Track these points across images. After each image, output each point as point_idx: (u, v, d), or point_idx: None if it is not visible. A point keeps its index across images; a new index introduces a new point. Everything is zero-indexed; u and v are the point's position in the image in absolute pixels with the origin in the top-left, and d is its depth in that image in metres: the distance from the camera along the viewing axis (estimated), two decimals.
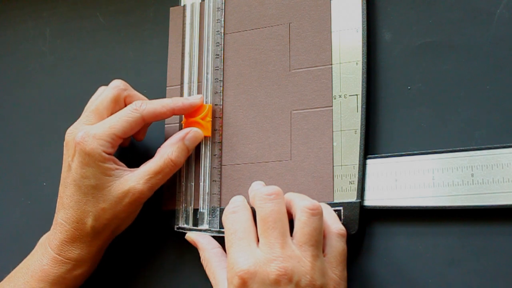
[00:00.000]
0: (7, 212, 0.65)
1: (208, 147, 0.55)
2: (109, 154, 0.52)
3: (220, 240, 0.53)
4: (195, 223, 0.55)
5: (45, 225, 0.60)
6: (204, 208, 0.55)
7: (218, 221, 0.54)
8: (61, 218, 0.53)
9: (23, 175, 0.66)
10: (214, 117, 0.56)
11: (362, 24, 0.52)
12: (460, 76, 0.49)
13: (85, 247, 0.53)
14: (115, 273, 0.59)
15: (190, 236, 0.54)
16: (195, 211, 0.55)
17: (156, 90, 0.59)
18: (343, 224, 0.49)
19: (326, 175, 0.51)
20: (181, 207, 0.56)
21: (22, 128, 0.67)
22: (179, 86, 0.58)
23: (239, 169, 0.54)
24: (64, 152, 0.54)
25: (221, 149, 0.55)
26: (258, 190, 0.47)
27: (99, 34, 0.65)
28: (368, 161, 0.50)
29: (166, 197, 0.57)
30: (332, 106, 0.52)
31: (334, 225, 0.48)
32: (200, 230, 0.54)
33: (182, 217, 0.56)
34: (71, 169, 0.53)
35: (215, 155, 0.55)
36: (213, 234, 0.54)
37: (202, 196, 0.55)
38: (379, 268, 0.49)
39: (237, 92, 0.56)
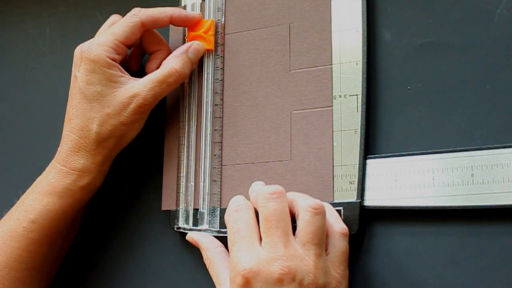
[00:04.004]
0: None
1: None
2: (113, 60, 0.54)
3: (221, 240, 0.53)
4: (195, 223, 0.55)
5: None
6: (204, 208, 0.55)
7: (218, 221, 0.54)
8: (67, 129, 0.55)
9: (23, 175, 0.66)
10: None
11: (362, 24, 0.52)
12: (460, 76, 0.49)
13: (90, 156, 0.54)
14: (114, 273, 0.59)
15: (192, 236, 0.54)
16: (195, 211, 0.55)
17: None
18: None
19: (326, 175, 0.51)
20: (181, 207, 0.56)
21: (22, 128, 0.67)
22: (179, 86, 0.58)
23: (239, 169, 0.54)
24: (72, 68, 0.56)
25: (221, 149, 0.55)
26: (261, 189, 0.47)
27: None
28: (368, 161, 0.50)
29: (165, 197, 0.57)
30: (332, 106, 0.52)
31: (337, 225, 0.48)
32: (200, 230, 0.54)
33: (182, 217, 0.56)
34: (77, 79, 0.54)
35: (215, 155, 0.55)
36: (213, 234, 0.54)
37: (202, 196, 0.55)
38: (379, 268, 0.49)
39: (237, 92, 0.56)
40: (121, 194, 0.60)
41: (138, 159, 0.60)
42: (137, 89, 0.53)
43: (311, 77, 0.53)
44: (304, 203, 0.46)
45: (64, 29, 0.67)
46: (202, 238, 0.53)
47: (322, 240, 0.45)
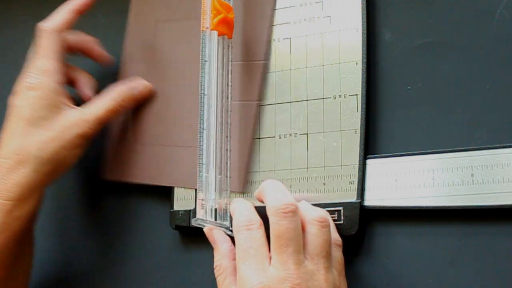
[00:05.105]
0: None
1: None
2: (60, 83, 0.55)
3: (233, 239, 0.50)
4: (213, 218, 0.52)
5: (44, 225, 0.60)
6: (216, 204, 0.52)
7: (228, 218, 0.52)
8: (3, 155, 0.53)
9: None
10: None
11: (362, 24, 0.52)
12: (460, 76, 0.49)
13: (25, 182, 0.52)
14: (114, 273, 0.59)
15: (214, 234, 0.50)
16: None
17: None
18: (342, 224, 0.49)
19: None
20: (199, 200, 0.52)
21: None
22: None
23: None
24: (12, 97, 0.55)
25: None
26: (275, 203, 0.45)
27: (99, 34, 0.65)
28: (368, 161, 0.50)
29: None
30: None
31: (332, 235, 0.47)
32: (221, 226, 0.51)
33: (201, 209, 0.51)
34: (18, 108, 0.54)
35: (226, 149, 0.54)
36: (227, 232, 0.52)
37: (218, 191, 0.52)
38: (379, 268, 0.49)
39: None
40: (120, 193, 0.60)
41: None
42: (81, 115, 0.54)
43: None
44: (310, 216, 0.45)
45: None
46: (225, 242, 0.50)
47: (329, 252, 0.45)
